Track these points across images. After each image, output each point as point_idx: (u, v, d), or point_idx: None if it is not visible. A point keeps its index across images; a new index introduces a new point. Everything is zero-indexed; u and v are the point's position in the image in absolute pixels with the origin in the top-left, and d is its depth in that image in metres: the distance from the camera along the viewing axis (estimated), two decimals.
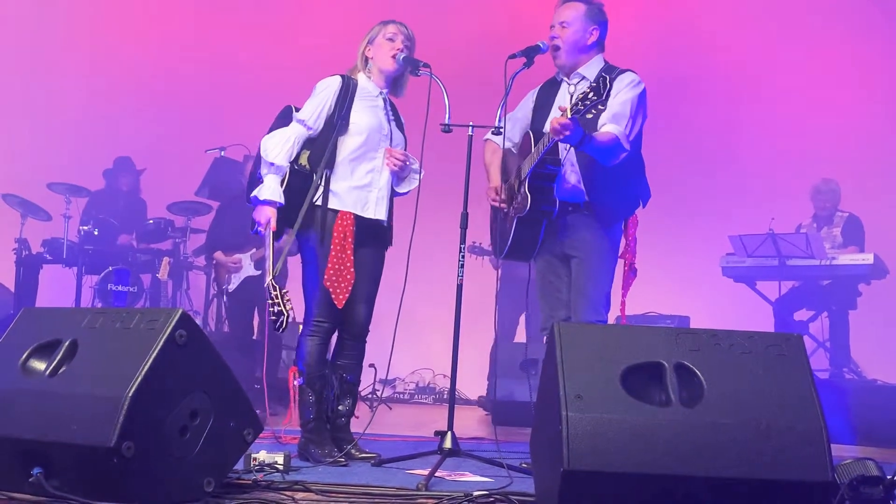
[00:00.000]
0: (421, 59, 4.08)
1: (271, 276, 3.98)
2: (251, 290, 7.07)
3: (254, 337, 7.35)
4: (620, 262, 4.06)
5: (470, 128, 4.04)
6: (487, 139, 4.26)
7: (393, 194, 4.19)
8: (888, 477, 2.80)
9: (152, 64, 9.56)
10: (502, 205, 4.08)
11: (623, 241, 4.06)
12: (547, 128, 3.89)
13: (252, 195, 4.04)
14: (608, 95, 3.50)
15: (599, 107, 3.52)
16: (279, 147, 3.99)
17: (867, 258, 6.95)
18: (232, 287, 7.16)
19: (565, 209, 3.94)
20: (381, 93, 4.17)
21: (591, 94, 3.48)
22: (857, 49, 8.71)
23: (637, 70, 4.05)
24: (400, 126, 4.25)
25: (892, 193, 8.30)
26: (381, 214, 4.10)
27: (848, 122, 8.62)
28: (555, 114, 3.92)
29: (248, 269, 7.11)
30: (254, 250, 7.04)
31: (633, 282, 4.07)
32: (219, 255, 7.24)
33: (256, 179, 4.06)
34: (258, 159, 4.07)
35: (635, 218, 4.09)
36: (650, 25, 9.23)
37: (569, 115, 3.53)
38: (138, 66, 9.51)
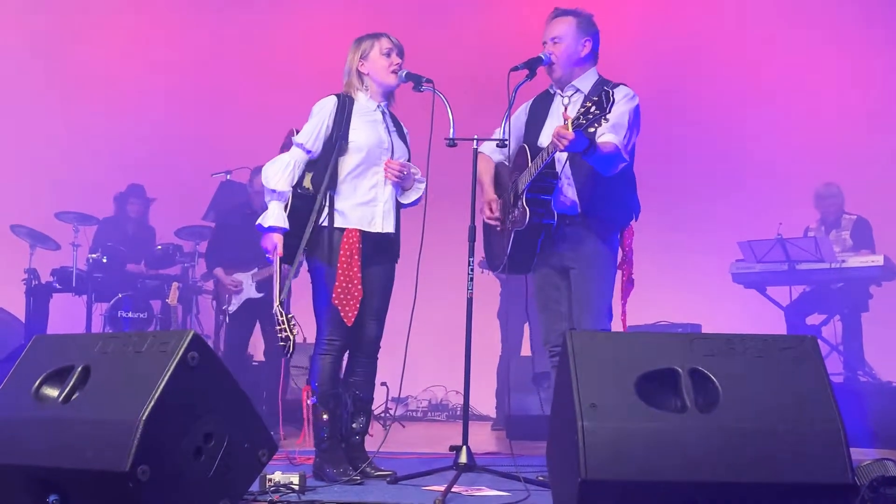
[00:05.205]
0: (422, 72, 4.08)
1: (278, 302, 3.98)
2: (252, 312, 6.91)
3: (256, 359, 7.31)
4: (619, 273, 4.04)
5: (475, 141, 4.05)
6: (480, 151, 4.24)
7: (399, 206, 4.19)
8: None
9: (156, 89, 9.59)
10: (496, 222, 4.09)
11: (620, 253, 4.05)
12: (545, 141, 3.89)
13: (257, 223, 4.05)
14: (611, 109, 3.49)
15: (602, 121, 3.51)
16: (279, 173, 4.02)
17: (877, 260, 6.92)
18: (232, 308, 6.94)
19: (562, 221, 3.94)
20: (378, 106, 4.17)
21: (593, 108, 3.48)
22: (861, 50, 8.71)
23: (640, 79, 4.08)
24: (402, 137, 4.24)
25: None
26: (389, 227, 4.10)
27: (853, 123, 8.60)
28: (551, 125, 3.93)
29: (250, 291, 6.90)
30: (255, 270, 6.86)
31: (632, 292, 4.05)
32: (219, 272, 7.01)
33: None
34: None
35: (631, 229, 4.08)
36: (652, 35, 9.25)
37: (570, 128, 3.52)
38: (142, 92, 9.55)
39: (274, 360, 6.84)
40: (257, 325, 7.01)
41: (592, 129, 3.57)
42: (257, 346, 7.26)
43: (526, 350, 7.61)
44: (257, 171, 6.87)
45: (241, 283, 6.90)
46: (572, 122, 3.52)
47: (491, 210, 4.11)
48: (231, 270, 6.96)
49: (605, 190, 3.90)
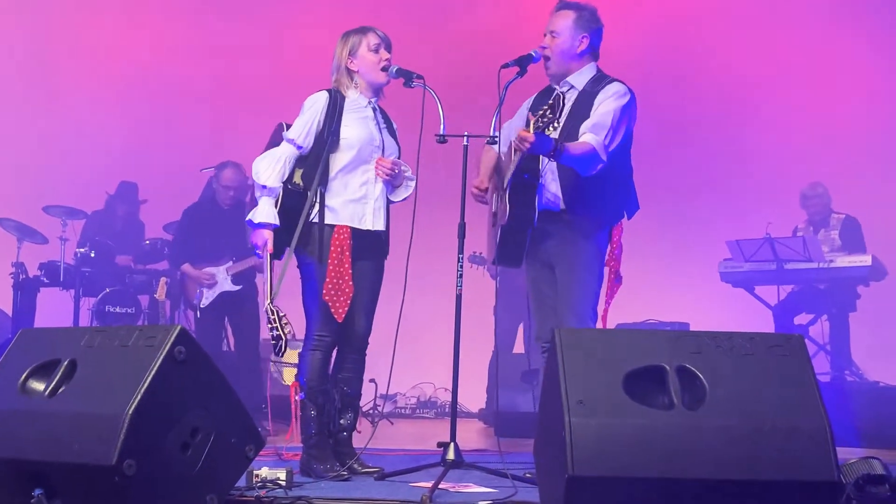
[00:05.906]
0: (413, 67, 4.07)
1: (270, 300, 3.97)
2: (224, 305, 6.86)
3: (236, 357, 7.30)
4: (606, 270, 4.02)
5: (465, 138, 4.03)
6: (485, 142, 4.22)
7: (389, 203, 4.18)
8: (894, 476, 2.80)
9: (145, 84, 9.56)
10: (479, 192, 4.09)
11: (609, 249, 4.01)
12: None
13: (247, 219, 4.04)
14: (560, 114, 3.56)
15: (554, 125, 3.58)
16: (270, 169, 3.99)
17: (865, 260, 6.94)
18: (205, 303, 6.83)
19: (546, 217, 3.90)
20: (369, 102, 4.15)
21: (547, 112, 3.53)
22: (851, 49, 8.74)
23: (631, 74, 4.04)
24: (392, 133, 4.23)
25: (888, 193, 8.30)
26: (380, 225, 4.10)
27: (843, 123, 8.64)
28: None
29: (225, 285, 6.81)
30: (230, 263, 6.79)
31: (619, 290, 4.02)
32: (186, 267, 6.90)
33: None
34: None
35: (620, 226, 4.04)
36: (645, 32, 9.25)
37: (531, 130, 3.55)
38: (131, 87, 9.52)
39: (246, 354, 6.82)
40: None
41: (549, 132, 3.60)
42: None
43: (519, 347, 7.62)
44: (222, 165, 6.89)
45: (215, 276, 6.84)
46: (533, 125, 3.54)
47: (482, 185, 4.10)
48: (200, 265, 6.89)
49: (590, 187, 3.85)
